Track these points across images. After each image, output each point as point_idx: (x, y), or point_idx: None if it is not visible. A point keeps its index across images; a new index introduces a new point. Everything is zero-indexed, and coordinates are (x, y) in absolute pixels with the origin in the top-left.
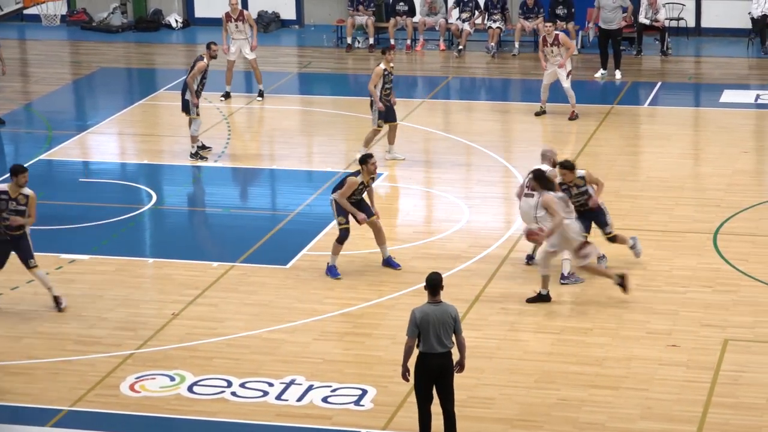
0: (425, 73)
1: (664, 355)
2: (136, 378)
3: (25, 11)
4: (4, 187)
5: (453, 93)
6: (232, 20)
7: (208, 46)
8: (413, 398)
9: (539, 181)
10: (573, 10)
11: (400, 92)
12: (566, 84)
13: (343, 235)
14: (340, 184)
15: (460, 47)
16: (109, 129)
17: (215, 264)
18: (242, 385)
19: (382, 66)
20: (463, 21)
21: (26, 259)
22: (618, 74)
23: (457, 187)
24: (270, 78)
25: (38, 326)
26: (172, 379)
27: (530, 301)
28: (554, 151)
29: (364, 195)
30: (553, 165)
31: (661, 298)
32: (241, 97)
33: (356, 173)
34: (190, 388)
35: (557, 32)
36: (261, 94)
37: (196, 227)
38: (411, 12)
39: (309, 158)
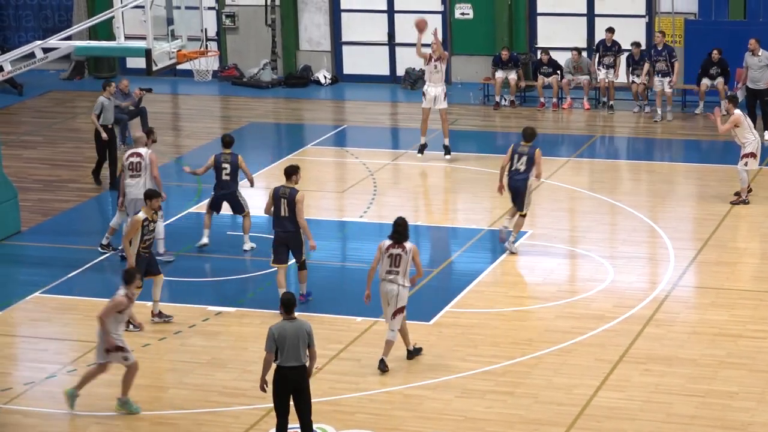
0: (571, 132)
1: None
2: None
3: (178, 66)
4: (143, 214)
5: (599, 152)
6: (433, 60)
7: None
8: None
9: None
10: (728, 69)
11: (547, 151)
12: None
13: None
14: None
15: (611, 103)
16: (257, 183)
17: (359, 319)
18: None
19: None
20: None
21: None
22: (767, 135)
23: (601, 247)
24: (417, 135)
25: (184, 377)
26: None
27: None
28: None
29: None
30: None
31: None
32: (386, 153)
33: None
34: None
35: None
36: (448, 150)
37: (340, 282)
38: (556, 72)
39: (453, 215)
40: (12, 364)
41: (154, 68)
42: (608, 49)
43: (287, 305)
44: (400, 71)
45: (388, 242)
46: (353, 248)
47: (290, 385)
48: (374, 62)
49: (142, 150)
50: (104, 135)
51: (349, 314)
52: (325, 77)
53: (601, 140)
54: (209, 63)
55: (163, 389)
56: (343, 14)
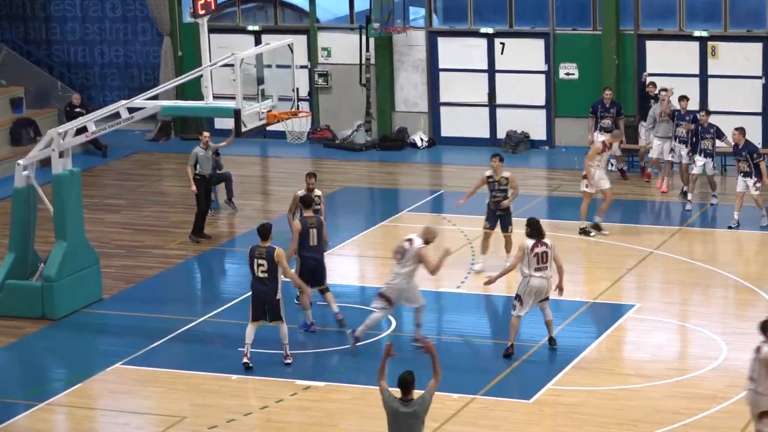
0: (681, 200)
1: None
2: None
3: (269, 128)
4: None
5: (710, 221)
6: (606, 151)
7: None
8: None
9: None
10: None
11: (656, 220)
12: None
13: None
14: None
15: (715, 193)
16: (349, 251)
17: (455, 396)
18: None
19: (487, 173)
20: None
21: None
22: None
23: (714, 322)
24: (518, 201)
25: None
26: None
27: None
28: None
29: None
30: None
31: None
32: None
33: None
34: None
35: None
36: (598, 227)
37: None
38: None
39: None
40: None
41: (244, 129)
42: (739, 152)
43: (405, 385)
44: (501, 134)
45: (530, 242)
46: (450, 320)
47: None
48: (473, 124)
49: (416, 241)
50: (193, 187)
51: (445, 391)
52: (422, 139)
53: (712, 209)
54: (302, 124)
55: None
56: (441, 73)
